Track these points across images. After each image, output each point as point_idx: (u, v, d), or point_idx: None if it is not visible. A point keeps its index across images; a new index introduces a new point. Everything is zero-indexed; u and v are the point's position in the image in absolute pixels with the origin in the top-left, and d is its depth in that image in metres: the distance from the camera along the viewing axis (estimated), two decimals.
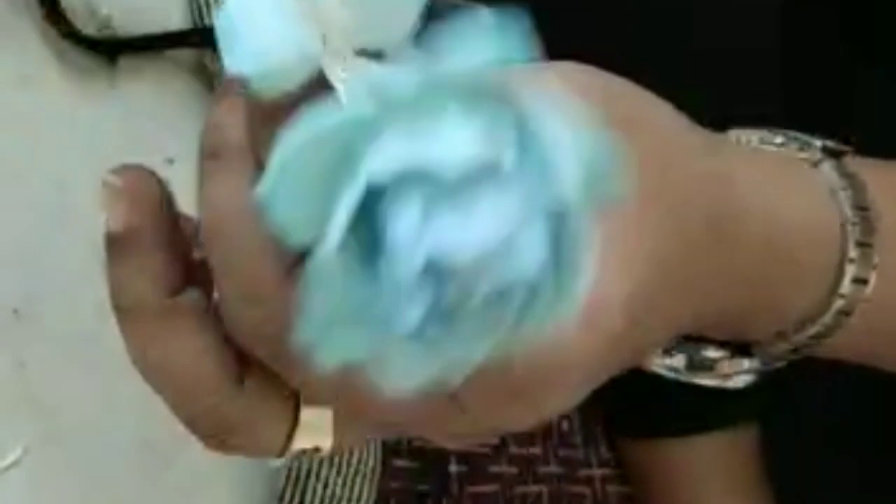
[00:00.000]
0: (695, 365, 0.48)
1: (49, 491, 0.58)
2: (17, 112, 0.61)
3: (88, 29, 0.61)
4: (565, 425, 0.79)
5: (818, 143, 0.46)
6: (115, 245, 0.38)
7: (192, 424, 0.39)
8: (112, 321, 0.62)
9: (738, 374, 0.47)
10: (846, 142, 0.49)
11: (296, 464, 0.64)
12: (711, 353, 0.47)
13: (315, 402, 0.39)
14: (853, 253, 0.45)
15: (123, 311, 0.38)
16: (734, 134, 0.47)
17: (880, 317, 0.46)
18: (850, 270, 0.45)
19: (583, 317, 0.36)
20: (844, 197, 0.45)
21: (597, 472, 0.79)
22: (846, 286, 0.45)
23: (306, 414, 0.39)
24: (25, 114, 0.62)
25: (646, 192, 0.38)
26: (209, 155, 0.36)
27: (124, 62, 0.62)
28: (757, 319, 0.45)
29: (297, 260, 0.35)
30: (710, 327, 0.45)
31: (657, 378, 0.74)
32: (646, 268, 0.38)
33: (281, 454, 0.40)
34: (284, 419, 0.39)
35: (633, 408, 0.79)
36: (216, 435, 0.39)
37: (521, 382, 0.37)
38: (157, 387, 0.39)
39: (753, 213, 0.42)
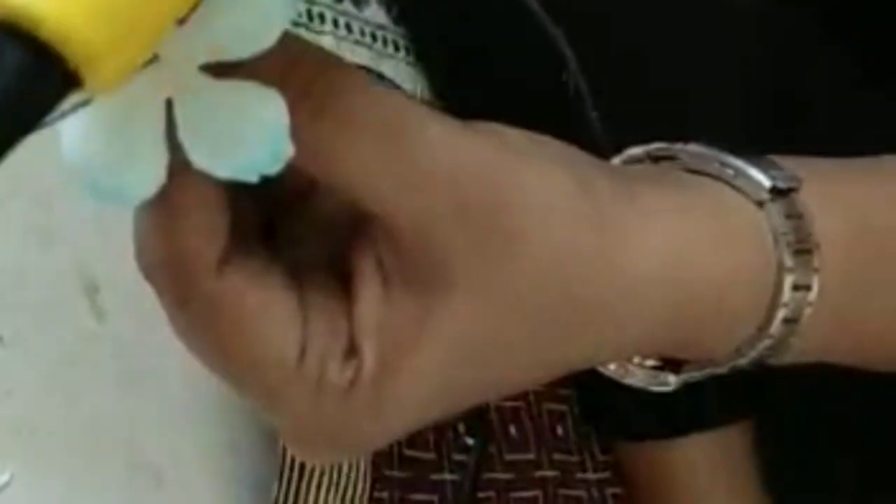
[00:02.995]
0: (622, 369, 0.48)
1: None
2: None
3: None
4: (560, 430, 0.79)
5: (767, 183, 0.46)
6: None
7: None
8: (94, 344, 0.63)
9: (663, 385, 0.47)
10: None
11: (286, 477, 0.64)
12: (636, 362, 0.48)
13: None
14: (787, 297, 0.45)
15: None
16: (689, 151, 0.47)
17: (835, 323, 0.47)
18: (782, 313, 0.45)
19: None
20: (785, 242, 0.45)
21: (592, 475, 0.79)
22: (777, 323, 0.45)
23: None
24: None
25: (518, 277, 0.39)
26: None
27: None
28: (696, 351, 0.46)
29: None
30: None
31: None
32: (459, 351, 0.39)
33: None
34: None
35: (619, 412, 0.79)
36: None
37: None
38: None
39: (659, 282, 0.42)
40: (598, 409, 0.80)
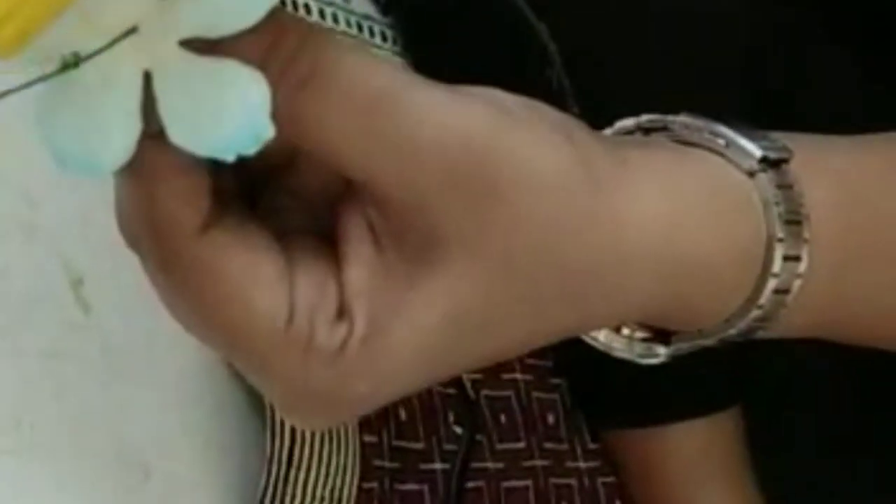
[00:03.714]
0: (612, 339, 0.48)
1: None
2: None
3: None
4: (550, 418, 0.79)
5: (758, 152, 0.46)
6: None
7: None
8: (80, 337, 0.62)
9: (652, 357, 0.47)
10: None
11: (275, 467, 0.64)
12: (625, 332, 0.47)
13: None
14: (777, 268, 0.45)
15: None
16: (680, 122, 0.46)
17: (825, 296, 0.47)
18: (773, 284, 0.45)
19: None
20: (776, 212, 0.45)
21: (582, 464, 0.79)
22: (767, 294, 0.45)
23: None
24: None
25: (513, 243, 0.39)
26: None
27: None
28: (685, 321, 0.46)
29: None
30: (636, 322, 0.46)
31: (633, 370, 0.75)
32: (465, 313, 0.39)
33: None
34: None
35: (611, 399, 0.79)
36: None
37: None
38: None
39: (650, 255, 0.42)
40: (588, 397, 0.80)
